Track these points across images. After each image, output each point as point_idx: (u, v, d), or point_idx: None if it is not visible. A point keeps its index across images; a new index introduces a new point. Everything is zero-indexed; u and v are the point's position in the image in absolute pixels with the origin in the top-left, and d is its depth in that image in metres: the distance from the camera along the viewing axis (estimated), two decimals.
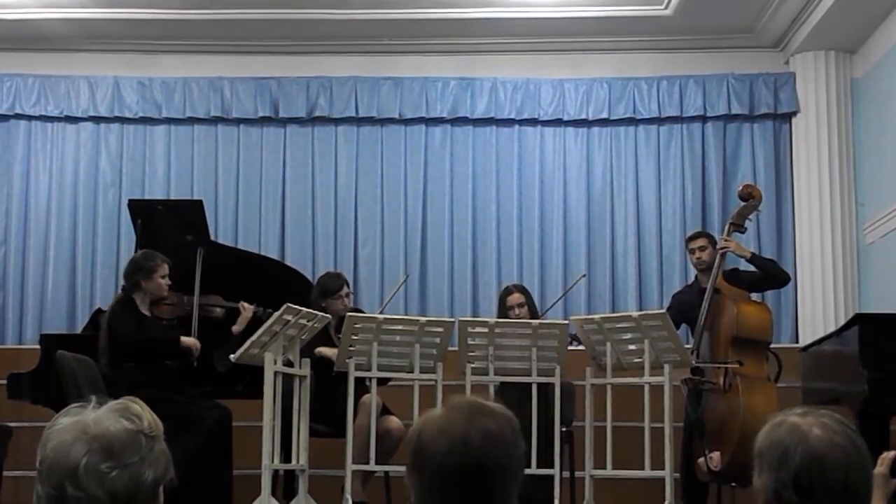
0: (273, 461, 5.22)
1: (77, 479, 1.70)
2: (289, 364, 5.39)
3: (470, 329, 5.76)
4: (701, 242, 6.34)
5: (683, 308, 6.29)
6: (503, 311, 6.36)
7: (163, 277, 5.81)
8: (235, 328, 6.02)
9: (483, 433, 1.82)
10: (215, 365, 6.04)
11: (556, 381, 5.59)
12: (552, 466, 5.51)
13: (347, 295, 6.34)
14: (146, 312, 5.83)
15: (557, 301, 7.48)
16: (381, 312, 6.57)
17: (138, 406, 1.81)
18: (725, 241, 6.14)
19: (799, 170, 8.38)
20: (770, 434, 2.00)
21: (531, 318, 6.20)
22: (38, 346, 6.49)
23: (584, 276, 7.84)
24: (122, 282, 6.08)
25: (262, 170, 8.63)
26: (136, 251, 6.35)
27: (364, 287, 8.46)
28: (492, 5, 8.19)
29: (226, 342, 5.85)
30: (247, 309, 6.09)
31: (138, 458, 1.74)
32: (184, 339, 5.83)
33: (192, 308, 6.04)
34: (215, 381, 6.12)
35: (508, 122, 8.64)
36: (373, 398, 5.58)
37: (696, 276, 6.48)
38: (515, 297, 6.35)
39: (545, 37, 8.49)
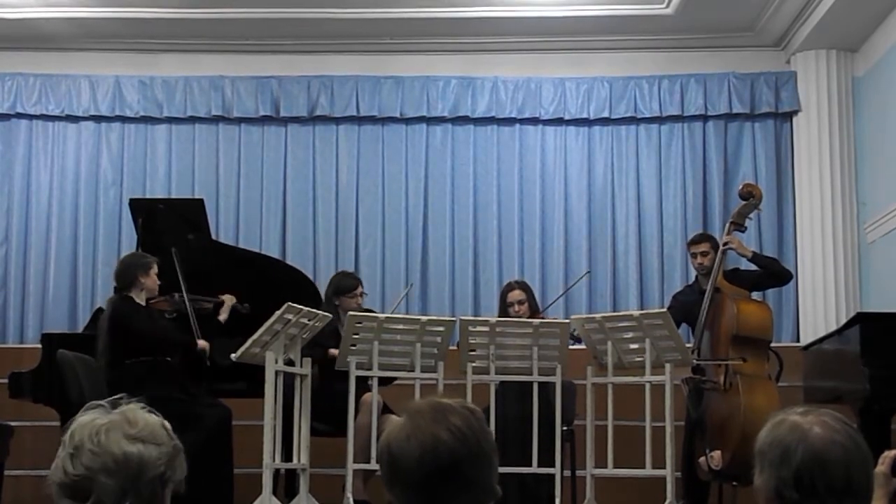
0: (274, 460, 5.22)
1: (98, 438, 1.77)
2: (290, 363, 5.39)
3: (471, 328, 5.77)
4: (703, 248, 6.30)
5: (684, 308, 6.28)
6: (504, 307, 6.37)
7: (156, 274, 5.84)
8: (222, 317, 6.08)
9: (450, 430, 1.86)
10: (216, 359, 6.05)
11: (556, 379, 5.59)
12: (553, 465, 5.52)
13: (361, 294, 6.37)
14: (146, 308, 5.85)
15: (560, 297, 7.54)
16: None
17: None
18: (727, 238, 6.13)
19: (800, 169, 8.38)
20: (771, 433, 2.00)
21: (532, 316, 6.21)
22: (39, 346, 6.50)
23: (588, 272, 7.89)
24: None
25: (264, 169, 8.63)
26: (137, 250, 6.36)
27: (365, 286, 8.40)
28: (493, 4, 8.19)
29: (218, 334, 5.89)
30: (229, 299, 6.14)
31: (159, 442, 1.81)
32: (199, 342, 5.88)
33: (184, 304, 6.05)
34: (216, 379, 6.14)
35: (509, 121, 8.64)
36: (374, 397, 5.58)
37: (696, 277, 6.47)
38: (516, 294, 6.36)
39: (546, 36, 8.49)
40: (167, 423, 1.86)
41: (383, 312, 6.67)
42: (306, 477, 5.45)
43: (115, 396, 1.87)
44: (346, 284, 6.32)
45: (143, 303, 5.83)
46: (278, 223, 8.58)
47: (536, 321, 5.82)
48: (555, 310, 7.35)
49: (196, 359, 5.90)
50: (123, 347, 5.67)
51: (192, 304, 6.09)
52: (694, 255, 6.35)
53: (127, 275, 5.84)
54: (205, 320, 6.09)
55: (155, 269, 5.83)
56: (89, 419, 1.81)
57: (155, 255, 5.96)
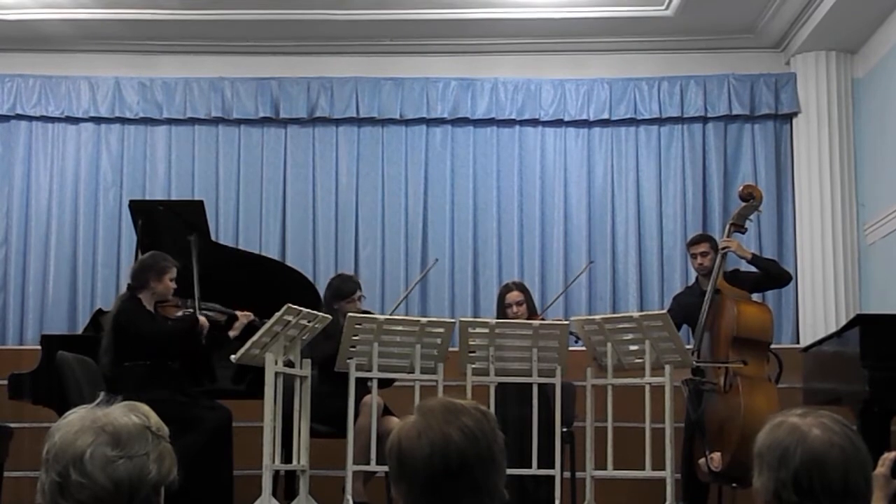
0: (274, 461, 5.22)
1: (83, 466, 1.72)
2: (289, 364, 5.39)
3: (471, 329, 5.77)
4: (703, 248, 6.31)
5: (684, 309, 6.28)
6: (502, 308, 6.36)
7: (171, 280, 5.79)
8: (232, 333, 5.98)
9: (461, 430, 1.86)
10: (218, 380, 6.04)
11: (556, 381, 5.59)
12: (553, 467, 5.52)
13: (360, 298, 6.33)
14: (151, 311, 5.82)
15: (567, 288, 7.61)
16: (405, 297, 7.32)
17: (146, 408, 1.84)
18: (726, 240, 6.14)
19: (800, 170, 8.38)
20: (770, 434, 2.01)
21: (530, 317, 6.20)
22: (38, 347, 6.49)
23: (592, 262, 7.94)
24: (124, 282, 6.06)
25: (263, 170, 8.63)
26: (136, 252, 6.35)
27: (365, 287, 8.35)
28: (492, 6, 8.20)
29: (223, 347, 5.85)
30: (245, 317, 6.05)
31: (144, 452, 1.76)
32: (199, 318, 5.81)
33: (194, 310, 6.02)
34: (215, 381, 6.14)
35: (509, 123, 8.64)
36: (373, 398, 5.58)
37: (696, 279, 6.47)
38: (514, 296, 6.35)
39: (546, 37, 8.49)
40: (151, 418, 1.80)
41: (383, 314, 6.66)
42: (306, 478, 5.45)
43: (98, 399, 1.82)
44: (345, 289, 6.28)
45: (151, 305, 5.79)
46: (278, 225, 8.58)
47: (536, 322, 5.82)
48: (554, 310, 7.34)
49: (197, 350, 5.85)
50: (125, 349, 5.64)
51: (204, 312, 6.05)
52: (694, 256, 6.35)
53: (140, 276, 5.79)
54: (215, 332, 6.04)
55: (171, 275, 5.76)
56: (70, 438, 1.74)
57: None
